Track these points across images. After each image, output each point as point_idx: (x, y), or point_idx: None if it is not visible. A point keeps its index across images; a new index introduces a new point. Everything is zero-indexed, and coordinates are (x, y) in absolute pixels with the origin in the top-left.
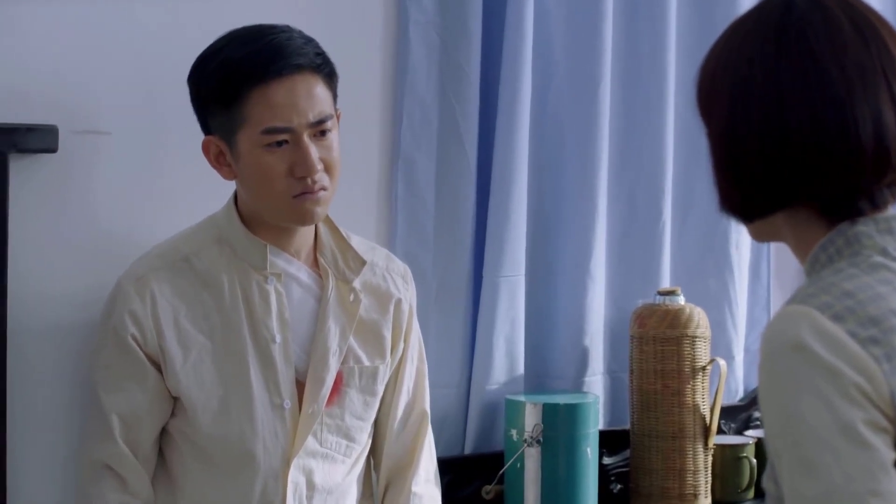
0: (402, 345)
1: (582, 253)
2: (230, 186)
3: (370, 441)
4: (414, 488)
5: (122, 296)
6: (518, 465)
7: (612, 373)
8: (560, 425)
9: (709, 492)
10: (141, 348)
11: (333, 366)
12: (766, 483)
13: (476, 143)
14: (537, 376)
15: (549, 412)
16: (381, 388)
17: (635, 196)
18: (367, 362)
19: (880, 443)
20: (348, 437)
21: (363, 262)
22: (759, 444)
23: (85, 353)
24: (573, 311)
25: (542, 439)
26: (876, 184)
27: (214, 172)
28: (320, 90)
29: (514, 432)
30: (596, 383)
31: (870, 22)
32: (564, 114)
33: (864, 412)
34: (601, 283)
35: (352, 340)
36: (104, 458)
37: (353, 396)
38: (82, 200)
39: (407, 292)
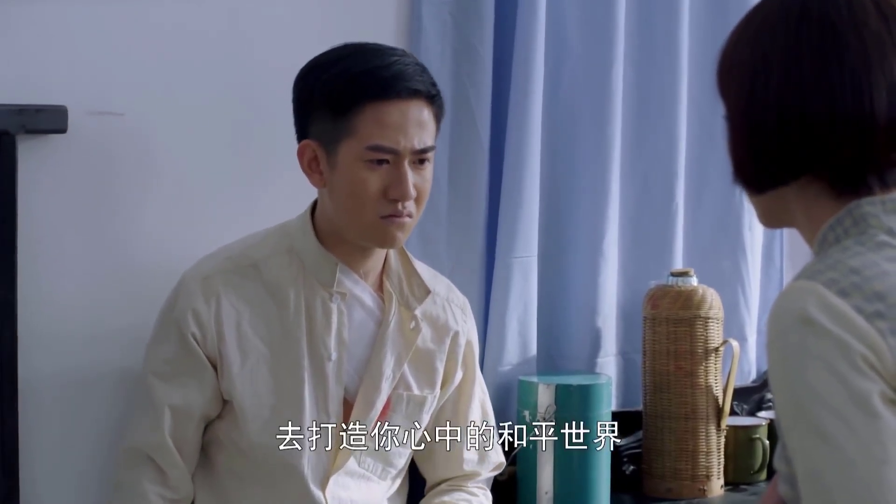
0: (456, 377)
1: (595, 234)
2: (248, 167)
3: (407, 464)
4: (473, 487)
5: (187, 292)
6: (531, 445)
7: (624, 354)
8: (573, 406)
9: (721, 473)
10: (200, 347)
11: (385, 390)
12: (778, 462)
13: (489, 123)
14: (550, 357)
15: (562, 393)
16: (426, 418)
17: (648, 177)
18: (416, 391)
19: (890, 414)
20: (386, 461)
21: (428, 292)
22: (772, 426)
23: (97, 342)
24: (586, 292)
25: (554, 420)
26: (886, 157)
27: (230, 154)
28: (429, 120)
29: (526, 413)
30: (609, 364)
31: (892, 6)
32: (577, 95)
33: (874, 383)
34: (614, 264)
35: (405, 367)
36: (147, 448)
37: (398, 423)
38: (92, 182)
39: (465, 324)
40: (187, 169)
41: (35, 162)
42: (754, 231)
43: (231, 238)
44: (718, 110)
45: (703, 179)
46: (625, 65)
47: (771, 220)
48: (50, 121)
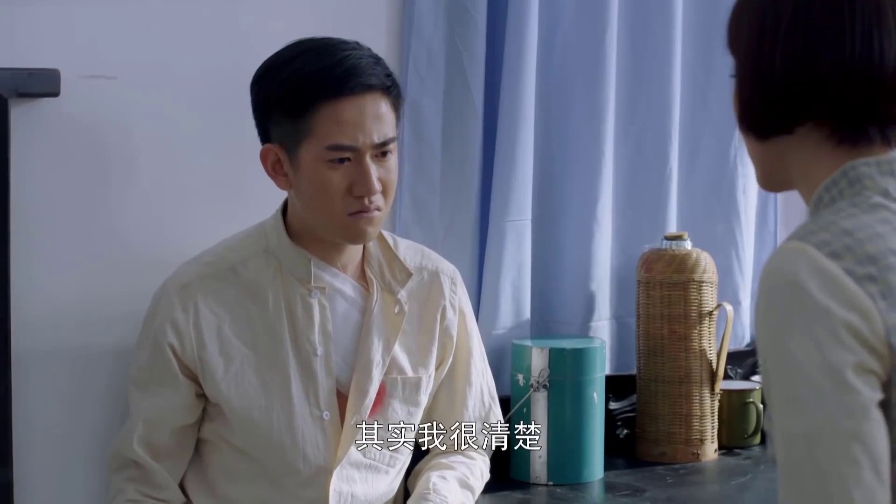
0: (451, 353)
1: (589, 198)
2: (241, 130)
3: (412, 448)
4: (472, 452)
5: (166, 302)
6: (524, 409)
7: (618, 318)
8: (567, 370)
9: (715, 437)
10: (178, 357)
11: (376, 377)
12: (767, 424)
13: (482, 87)
14: (544, 321)
15: (556, 357)
16: (424, 399)
17: (642, 141)
18: (410, 373)
19: (865, 386)
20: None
21: (409, 274)
22: None
23: (89, 306)
24: (580, 256)
25: (548, 384)
26: (889, 108)
27: (223, 116)
28: (387, 112)
29: (520, 377)
30: (602, 328)
31: None
32: (571, 58)
33: (853, 354)
34: (608, 227)
35: (396, 351)
36: (126, 452)
37: (396, 407)
38: (85, 145)
39: (454, 296)
40: (180, 132)
41: (28, 125)
42: (748, 194)
43: (222, 201)
44: (712, 74)
45: (697, 143)
46: (618, 28)
47: (770, 178)
48: (42, 84)
